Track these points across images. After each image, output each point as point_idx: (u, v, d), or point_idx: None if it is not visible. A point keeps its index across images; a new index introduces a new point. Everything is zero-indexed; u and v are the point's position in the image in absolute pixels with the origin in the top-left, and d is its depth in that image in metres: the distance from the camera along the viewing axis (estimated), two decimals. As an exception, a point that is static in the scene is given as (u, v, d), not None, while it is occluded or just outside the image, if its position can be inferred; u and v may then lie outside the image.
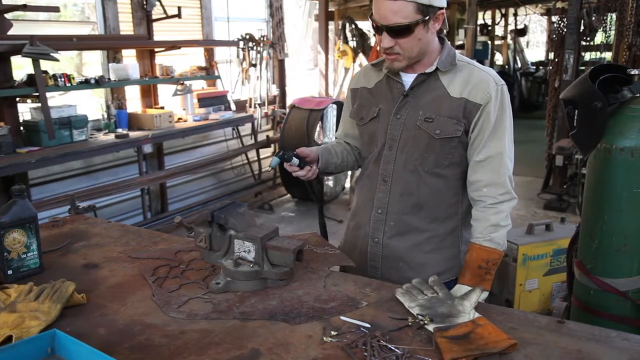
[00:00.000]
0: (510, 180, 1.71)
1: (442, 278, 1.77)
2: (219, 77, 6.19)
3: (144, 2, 5.24)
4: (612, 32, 6.17)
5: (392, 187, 1.77)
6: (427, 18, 1.59)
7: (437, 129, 1.69)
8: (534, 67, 14.27)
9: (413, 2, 1.54)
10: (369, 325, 1.32)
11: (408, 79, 1.75)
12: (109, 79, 4.78)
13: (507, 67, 13.61)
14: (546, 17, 13.97)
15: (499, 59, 13.68)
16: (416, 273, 1.71)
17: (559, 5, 6.35)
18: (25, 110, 4.39)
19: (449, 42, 1.76)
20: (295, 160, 1.77)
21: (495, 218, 1.69)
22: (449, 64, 1.70)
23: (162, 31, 5.52)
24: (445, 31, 1.75)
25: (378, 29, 1.64)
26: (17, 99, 4.21)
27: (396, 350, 1.20)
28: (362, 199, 1.87)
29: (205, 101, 5.88)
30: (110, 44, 5.03)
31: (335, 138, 2.06)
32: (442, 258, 1.80)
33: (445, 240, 1.79)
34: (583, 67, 6.36)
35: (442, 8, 1.62)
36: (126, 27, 5.19)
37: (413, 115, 1.72)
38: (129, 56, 5.29)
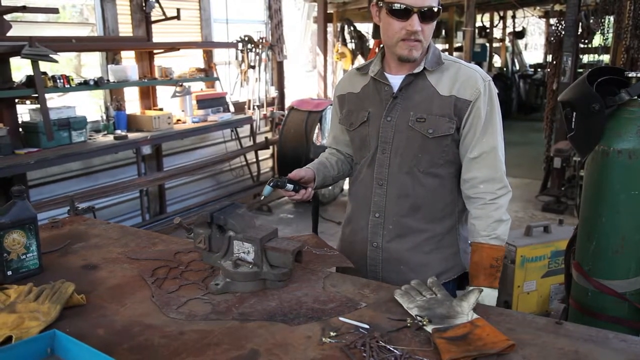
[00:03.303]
0: (505, 174, 1.73)
1: (444, 278, 1.78)
2: (217, 78, 6.19)
3: (143, 4, 5.25)
4: (610, 35, 6.19)
5: (388, 190, 1.77)
6: (439, 11, 1.66)
7: (430, 128, 1.70)
8: (532, 70, 14.30)
9: None
10: (367, 326, 1.33)
11: (395, 80, 1.75)
12: (108, 80, 4.79)
13: (505, 69, 13.64)
14: (544, 19, 14.01)
15: (497, 61, 13.72)
16: (417, 274, 1.70)
17: (557, 8, 6.37)
18: (24, 112, 4.40)
19: (433, 43, 1.79)
20: (290, 186, 1.76)
21: (497, 214, 1.70)
22: (435, 63, 1.72)
23: (161, 33, 5.52)
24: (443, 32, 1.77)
25: (403, 14, 1.62)
26: (16, 100, 4.21)
27: (395, 351, 1.21)
28: (358, 204, 1.87)
29: (204, 103, 5.88)
30: (109, 45, 5.03)
31: (327, 147, 2.06)
32: (442, 258, 1.80)
33: (444, 239, 1.80)
34: (581, 70, 6.38)
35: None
36: (125, 28, 5.20)
37: (404, 117, 1.73)
38: (128, 58, 5.30)
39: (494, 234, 1.70)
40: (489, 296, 1.68)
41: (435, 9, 1.63)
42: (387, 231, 1.79)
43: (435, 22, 1.67)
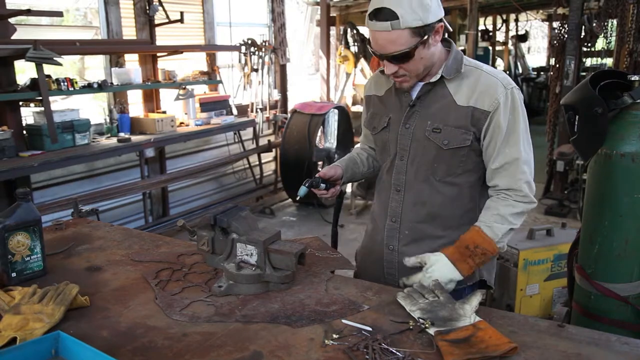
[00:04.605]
0: (528, 185, 1.66)
1: (460, 284, 1.71)
2: (220, 81, 6.21)
3: (147, 7, 5.27)
4: (613, 38, 6.18)
5: (405, 196, 1.77)
6: (425, 37, 1.58)
7: (445, 139, 1.67)
8: (535, 73, 14.29)
9: (407, 28, 1.54)
10: (370, 329, 1.33)
11: (416, 87, 1.74)
12: (112, 83, 4.80)
13: (508, 72, 13.62)
14: (547, 23, 14.00)
15: (500, 64, 13.70)
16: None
17: (560, 11, 6.35)
18: (28, 114, 4.41)
19: (456, 46, 1.74)
20: (322, 185, 1.80)
21: (505, 210, 1.65)
22: (454, 71, 1.67)
23: (164, 36, 5.54)
24: (446, 34, 1.73)
25: (379, 56, 1.64)
26: (20, 102, 4.23)
27: (397, 353, 1.21)
28: (378, 206, 1.88)
29: (207, 106, 5.90)
30: (112, 48, 5.05)
31: (359, 143, 2.08)
32: None
33: None
34: (584, 73, 6.37)
35: (439, 21, 1.60)
36: (129, 31, 5.21)
37: (421, 126, 1.71)
38: (132, 61, 5.31)
39: (491, 224, 1.64)
40: (444, 266, 1.61)
41: (406, 49, 1.57)
42: (403, 236, 1.78)
43: (417, 57, 1.60)
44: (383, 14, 1.54)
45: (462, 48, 10.20)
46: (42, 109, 4.13)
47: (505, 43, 13.62)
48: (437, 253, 1.65)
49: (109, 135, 4.90)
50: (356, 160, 1.97)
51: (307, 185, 1.75)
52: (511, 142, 1.65)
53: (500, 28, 13.16)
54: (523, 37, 13.92)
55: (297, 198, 1.81)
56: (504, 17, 13.02)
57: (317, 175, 1.81)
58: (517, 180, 1.65)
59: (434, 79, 1.69)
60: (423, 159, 1.72)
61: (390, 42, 1.57)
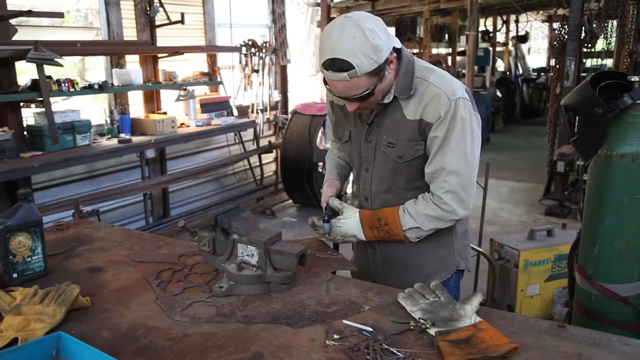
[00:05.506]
0: (452, 196, 1.68)
1: (439, 277, 1.82)
2: (221, 82, 6.21)
3: (148, 8, 5.28)
4: (613, 39, 6.19)
5: (372, 204, 1.84)
6: (382, 73, 1.59)
7: (399, 153, 1.73)
8: (535, 74, 14.29)
9: (364, 74, 1.55)
10: (371, 329, 1.33)
11: None
12: (112, 84, 4.81)
13: (508, 73, 13.64)
14: (547, 23, 13.99)
15: (500, 65, 13.71)
16: (414, 274, 1.77)
17: (560, 12, 6.36)
18: (29, 115, 4.42)
19: (407, 52, 1.72)
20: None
21: (422, 208, 1.71)
22: (406, 89, 1.68)
23: (165, 37, 5.55)
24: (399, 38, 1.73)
25: (339, 97, 1.67)
26: (21, 103, 4.24)
27: (398, 353, 1.21)
28: None
29: (207, 107, 5.91)
30: (113, 49, 5.06)
31: (332, 141, 2.11)
32: (436, 257, 1.84)
33: (436, 240, 1.81)
34: (584, 74, 6.38)
35: (392, 51, 1.61)
36: (129, 32, 5.22)
37: (380, 140, 1.76)
38: (132, 62, 5.32)
39: (407, 212, 1.72)
40: (353, 223, 1.78)
41: (366, 91, 1.59)
42: None
43: (378, 91, 1.62)
44: (337, 65, 1.54)
45: (463, 49, 10.20)
46: (43, 109, 4.14)
47: (505, 44, 13.62)
48: (356, 210, 1.81)
49: (109, 136, 4.91)
50: (342, 163, 2.05)
51: (326, 219, 1.82)
52: (442, 152, 1.67)
53: (500, 29, 13.17)
54: (523, 38, 13.92)
55: (327, 235, 1.85)
56: (504, 18, 13.02)
57: (325, 205, 1.88)
58: (440, 188, 1.69)
59: (386, 100, 1.71)
60: (384, 171, 1.78)
61: (349, 88, 1.59)
